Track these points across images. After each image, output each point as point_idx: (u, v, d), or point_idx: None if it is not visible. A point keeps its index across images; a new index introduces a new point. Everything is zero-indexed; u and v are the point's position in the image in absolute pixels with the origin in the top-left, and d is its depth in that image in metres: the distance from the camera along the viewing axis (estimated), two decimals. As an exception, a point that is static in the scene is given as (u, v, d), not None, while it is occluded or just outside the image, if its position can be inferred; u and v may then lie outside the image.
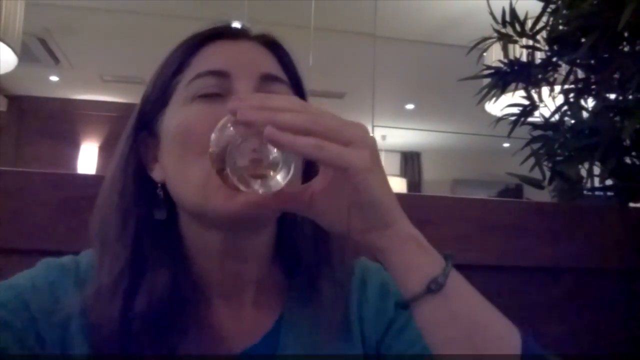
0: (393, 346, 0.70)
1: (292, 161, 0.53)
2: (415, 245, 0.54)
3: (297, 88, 0.73)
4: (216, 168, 0.56)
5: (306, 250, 0.72)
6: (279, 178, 0.53)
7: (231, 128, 0.53)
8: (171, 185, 0.66)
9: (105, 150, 6.55)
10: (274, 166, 0.53)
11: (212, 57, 0.68)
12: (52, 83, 6.26)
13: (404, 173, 8.39)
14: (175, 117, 0.66)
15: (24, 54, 3.74)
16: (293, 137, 0.48)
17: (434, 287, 0.51)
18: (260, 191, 0.53)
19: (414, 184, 8.24)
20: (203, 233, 0.66)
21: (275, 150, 0.53)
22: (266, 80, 0.67)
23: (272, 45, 0.73)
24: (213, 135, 0.55)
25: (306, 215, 0.58)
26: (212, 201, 0.61)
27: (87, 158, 6.64)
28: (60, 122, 6.53)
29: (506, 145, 6.14)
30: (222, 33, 0.71)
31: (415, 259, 0.53)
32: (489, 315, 0.54)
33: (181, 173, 0.64)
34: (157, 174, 0.69)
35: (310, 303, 0.70)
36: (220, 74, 0.65)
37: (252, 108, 0.50)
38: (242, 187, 0.52)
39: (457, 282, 0.53)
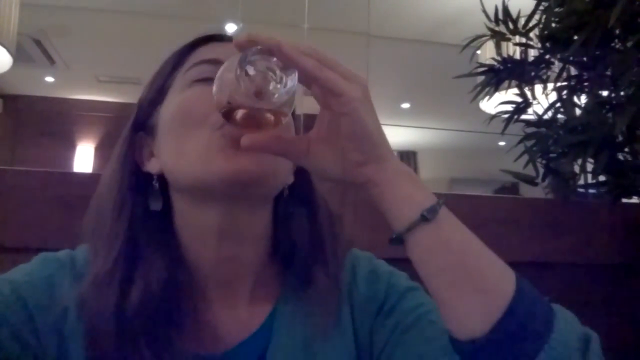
0: (384, 327, 0.71)
1: (293, 92, 0.56)
2: (409, 179, 0.56)
3: None
4: (222, 110, 0.57)
5: (301, 243, 0.72)
6: (282, 93, 0.55)
7: (233, 72, 0.54)
8: (170, 166, 0.67)
9: (101, 151, 6.55)
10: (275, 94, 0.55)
11: (206, 51, 0.72)
12: (48, 84, 6.26)
13: (400, 172, 8.37)
14: (174, 101, 0.68)
15: (19, 54, 3.72)
16: (299, 52, 0.51)
17: (428, 216, 0.53)
18: (265, 107, 0.55)
19: (411, 183, 8.21)
20: (200, 214, 0.67)
21: (277, 84, 0.55)
22: None
23: None
24: (215, 87, 0.57)
25: (303, 165, 0.60)
26: (214, 165, 0.62)
27: (83, 158, 6.63)
28: (56, 122, 6.53)
29: (502, 143, 6.13)
30: (215, 37, 0.75)
31: (409, 191, 0.55)
32: (482, 246, 0.55)
33: (180, 149, 0.65)
34: (153, 166, 0.70)
35: (303, 297, 0.71)
36: (215, 62, 0.67)
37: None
38: (249, 103, 0.54)
39: (450, 215, 0.55)
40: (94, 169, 6.51)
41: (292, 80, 0.55)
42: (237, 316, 0.70)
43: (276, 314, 0.71)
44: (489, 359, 0.50)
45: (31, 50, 5.13)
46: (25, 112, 6.50)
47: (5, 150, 6.38)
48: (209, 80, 0.66)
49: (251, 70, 0.54)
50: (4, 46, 2.31)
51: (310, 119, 0.66)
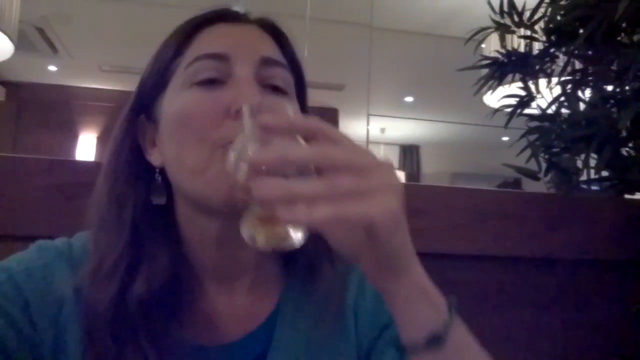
0: (385, 353, 0.69)
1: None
2: (422, 295, 0.53)
3: (296, 72, 0.73)
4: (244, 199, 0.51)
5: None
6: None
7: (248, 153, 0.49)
8: (170, 171, 0.66)
9: (104, 140, 6.55)
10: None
11: (211, 40, 0.68)
12: (51, 73, 6.25)
13: (402, 166, 8.39)
14: (174, 103, 0.66)
15: (23, 43, 3.70)
16: (309, 212, 0.42)
17: (434, 343, 0.51)
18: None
19: (413, 176, 8.24)
20: (200, 220, 0.66)
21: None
22: (266, 63, 0.67)
23: (271, 29, 0.73)
24: (232, 157, 0.52)
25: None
26: (215, 186, 0.60)
27: (86, 148, 6.63)
28: (59, 111, 6.52)
29: (505, 138, 6.13)
30: (221, 16, 0.71)
31: (420, 309, 0.52)
32: None
33: (180, 159, 0.64)
34: (155, 158, 0.69)
35: (308, 292, 0.70)
36: (219, 57, 0.65)
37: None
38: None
39: (457, 335, 0.53)
40: (96, 158, 6.51)
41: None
42: (237, 308, 0.69)
43: (279, 310, 0.70)
44: None
45: (34, 38, 5.12)
46: (28, 100, 6.49)
47: (7, 139, 6.38)
48: (212, 82, 0.64)
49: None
50: (5, 33, 2.30)
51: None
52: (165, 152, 0.67)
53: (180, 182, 0.65)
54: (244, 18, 0.72)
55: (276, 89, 0.67)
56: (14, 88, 6.48)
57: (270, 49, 0.69)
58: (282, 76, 0.68)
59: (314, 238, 0.70)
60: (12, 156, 1.05)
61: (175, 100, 0.66)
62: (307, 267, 0.71)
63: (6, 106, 6.44)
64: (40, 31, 5.02)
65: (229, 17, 0.71)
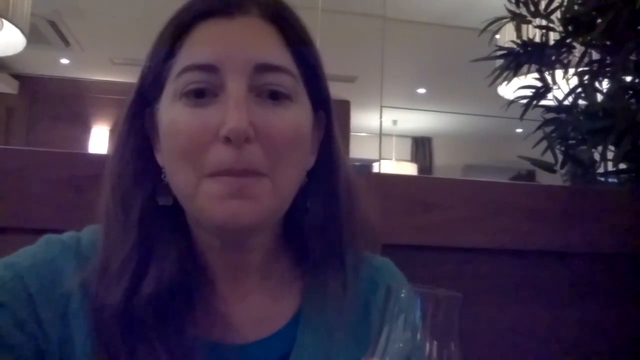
0: None
1: None
2: None
3: (305, 64, 0.67)
4: None
5: (315, 236, 0.70)
6: None
7: None
8: (169, 182, 0.65)
9: (116, 134, 6.59)
10: None
11: (201, 45, 0.62)
12: (63, 66, 6.27)
13: (415, 158, 8.36)
14: (166, 115, 0.63)
15: (35, 36, 3.72)
16: None
17: None
18: None
19: (425, 169, 8.21)
20: (203, 230, 0.66)
21: None
22: (261, 70, 0.61)
23: (273, 17, 0.65)
24: None
25: None
26: (205, 216, 0.60)
27: (98, 141, 6.66)
28: (71, 104, 6.54)
29: (519, 130, 6.08)
30: (216, 9, 0.63)
31: None
32: None
33: (173, 179, 0.63)
34: (160, 159, 0.67)
35: (329, 293, 0.68)
36: (208, 68, 0.61)
37: None
38: None
39: None
40: (108, 151, 6.52)
41: None
42: (253, 309, 0.68)
43: (302, 311, 0.69)
44: None
45: (46, 32, 5.14)
46: (40, 93, 6.52)
47: (20, 132, 6.42)
48: (200, 95, 0.61)
49: None
50: (17, 26, 2.31)
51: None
52: (164, 162, 0.66)
53: (178, 197, 0.64)
54: (241, 9, 0.64)
55: (275, 96, 0.62)
56: (26, 81, 6.52)
57: (268, 50, 0.63)
58: (281, 81, 0.62)
59: (322, 235, 0.69)
60: (20, 149, 1.04)
61: (167, 113, 0.63)
62: (324, 273, 0.69)
63: (19, 99, 6.48)
64: (52, 24, 5.03)
65: (224, 10, 0.63)
